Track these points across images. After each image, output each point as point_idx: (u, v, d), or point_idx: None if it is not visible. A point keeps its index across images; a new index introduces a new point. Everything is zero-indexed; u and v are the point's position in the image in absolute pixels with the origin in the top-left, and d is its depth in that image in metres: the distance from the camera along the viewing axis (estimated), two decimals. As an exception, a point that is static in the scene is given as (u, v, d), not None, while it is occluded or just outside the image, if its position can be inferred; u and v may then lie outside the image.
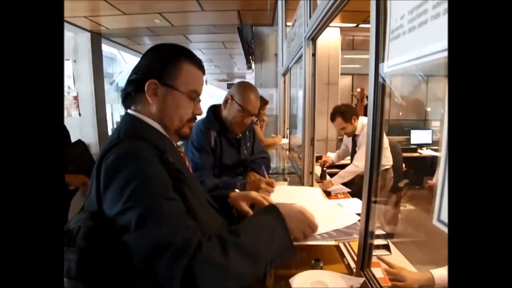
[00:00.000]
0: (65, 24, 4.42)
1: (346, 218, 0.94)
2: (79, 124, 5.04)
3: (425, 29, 0.50)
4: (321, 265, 0.85)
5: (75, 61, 4.99)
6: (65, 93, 5.05)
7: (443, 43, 0.45)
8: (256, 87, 1.54)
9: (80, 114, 5.10)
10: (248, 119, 1.46)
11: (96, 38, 5.07)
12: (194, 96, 0.82)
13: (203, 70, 0.84)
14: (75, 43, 4.94)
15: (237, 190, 1.09)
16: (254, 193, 1.01)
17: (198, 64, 0.83)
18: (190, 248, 0.58)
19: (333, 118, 2.63)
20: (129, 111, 0.80)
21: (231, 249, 0.61)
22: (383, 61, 0.69)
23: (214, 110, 1.50)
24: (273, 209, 0.78)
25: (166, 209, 0.62)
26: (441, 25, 0.46)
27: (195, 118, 0.86)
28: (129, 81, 0.79)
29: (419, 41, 0.53)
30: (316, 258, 0.86)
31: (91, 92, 5.01)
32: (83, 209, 0.73)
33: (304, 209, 0.84)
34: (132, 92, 0.79)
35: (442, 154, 0.46)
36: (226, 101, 1.46)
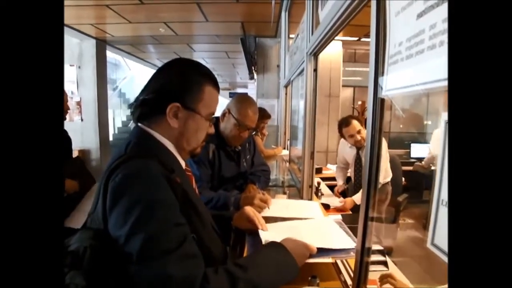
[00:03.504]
0: (71, 31, 4.49)
1: (343, 243, 0.95)
2: (81, 129, 5.06)
3: (422, 58, 0.52)
4: (318, 281, 0.85)
5: (79, 67, 5.04)
6: (68, 98, 5.07)
7: (439, 74, 0.46)
8: (255, 101, 1.55)
9: (82, 119, 5.13)
10: (245, 133, 1.47)
11: (101, 45, 5.14)
12: (211, 117, 0.83)
13: (219, 90, 0.85)
14: (80, 49, 5.00)
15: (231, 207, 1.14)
16: (249, 212, 1.04)
17: (217, 85, 0.83)
18: (196, 282, 0.58)
19: (347, 123, 2.47)
20: (140, 124, 0.78)
21: (240, 285, 0.63)
22: (382, 76, 0.71)
23: (214, 123, 1.50)
24: (278, 244, 0.81)
25: (171, 237, 0.62)
26: (437, 56, 0.48)
27: (208, 137, 0.86)
28: (146, 100, 0.75)
29: (416, 69, 0.54)
30: (313, 275, 0.86)
31: (94, 98, 5.05)
32: (85, 226, 0.71)
33: (307, 244, 0.86)
34: (148, 112, 0.77)
35: (436, 181, 0.47)
36: (223, 114, 1.48)
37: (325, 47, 1.50)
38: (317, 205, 1.44)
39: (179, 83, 0.76)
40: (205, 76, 0.80)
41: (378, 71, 0.71)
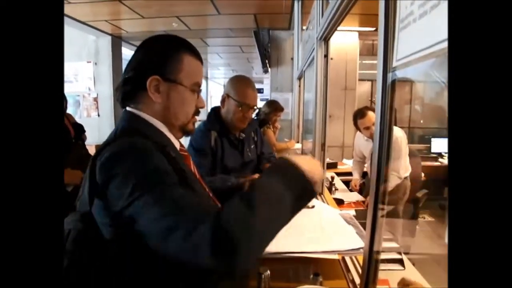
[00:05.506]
0: (88, 28, 4.57)
1: (352, 242, 0.87)
2: (98, 125, 5.16)
3: (438, 12, 0.43)
4: (320, 280, 0.77)
5: (96, 63, 5.14)
6: (86, 95, 5.22)
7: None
8: (251, 79, 1.50)
9: (99, 115, 5.24)
10: (248, 113, 1.42)
11: (116, 42, 5.21)
12: (197, 88, 0.79)
13: (202, 61, 0.82)
14: (96, 46, 5.10)
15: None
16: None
17: (197, 54, 0.79)
18: (210, 214, 0.51)
19: (362, 114, 2.36)
20: (128, 108, 0.76)
21: (253, 200, 0.52)
22: (392, 56, 0.62)
23: (215, 111, 1.47)
24: (280, 159, 0.66)
25: (176, 193, 0.56)
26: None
27: (199, 112, 0.83)
28: (127, 79, 0.74)
29: (431, 27, 0.46)
30: (316, 272, 0.78)
31: (110, 94, 5.13)
32: (74, 209, 0.69)
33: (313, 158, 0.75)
34: (130, 91, 0.74)
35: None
36: (223, 100, 1.44)
37: (335, 30, 1.41)
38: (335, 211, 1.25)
39: (155, 56, 0.74)
40: (181, 46, 0.76)
41: (388, 40, 0.63)
